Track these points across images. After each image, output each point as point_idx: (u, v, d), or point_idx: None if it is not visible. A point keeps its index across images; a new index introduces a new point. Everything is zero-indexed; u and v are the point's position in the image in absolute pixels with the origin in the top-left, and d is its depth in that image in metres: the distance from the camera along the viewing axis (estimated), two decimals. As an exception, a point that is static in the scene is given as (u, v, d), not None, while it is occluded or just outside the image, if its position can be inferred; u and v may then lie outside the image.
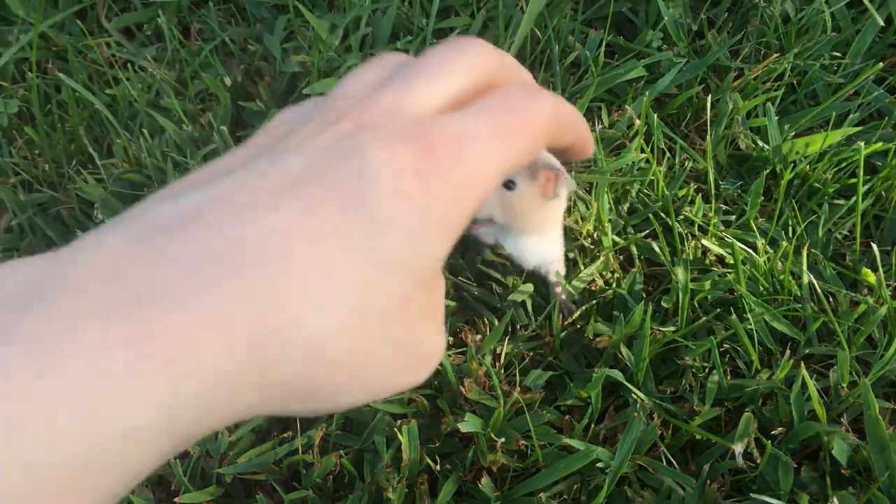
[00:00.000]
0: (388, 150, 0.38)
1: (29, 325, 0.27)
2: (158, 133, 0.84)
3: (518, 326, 0.76)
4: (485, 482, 0.65)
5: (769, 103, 0.87)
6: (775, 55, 0.91)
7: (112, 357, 0.27)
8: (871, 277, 0.76)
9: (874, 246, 0.76)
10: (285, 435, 0.71)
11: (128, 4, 0.96)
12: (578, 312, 0.75)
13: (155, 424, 0.29)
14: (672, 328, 0.74)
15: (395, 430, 0.67)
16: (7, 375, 0.26)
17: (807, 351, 0.73)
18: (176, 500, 0.67)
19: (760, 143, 0.86)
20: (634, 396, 0.69)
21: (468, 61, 0.49)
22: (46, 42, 0.91)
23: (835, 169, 0.84)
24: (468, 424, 0.65)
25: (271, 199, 0.34)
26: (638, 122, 0.83)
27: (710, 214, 0.81)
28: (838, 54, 0.94)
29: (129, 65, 0.88)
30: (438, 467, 0.66)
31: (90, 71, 0.89)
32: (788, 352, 0.72)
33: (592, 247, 0.79)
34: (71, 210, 0.80)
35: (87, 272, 0.30)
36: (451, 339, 0.75)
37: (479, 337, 0.75)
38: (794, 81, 0.92)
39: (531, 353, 0.74)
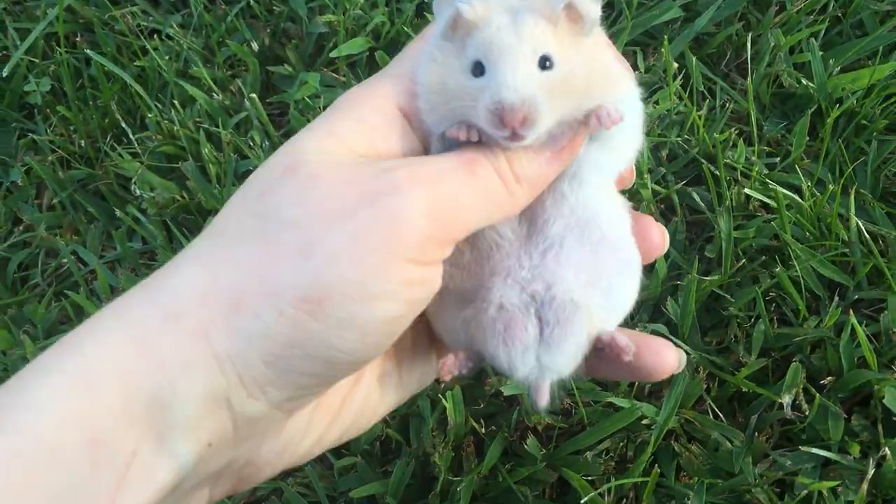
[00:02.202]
0: None
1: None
2: (189, 103, 0.83)
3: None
4: (530, 442, 0.65)
5: (813, 38, 0.84)
6: (819, -15, 0.87)
7: None
8: (924, 217, 0.74)
9: (926, 184, 0.73)
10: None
11: (151, -30, 0.95)
12: None
13: None
14: (716, 277, 0.72)
15: (440, 394, 0.67)
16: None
17: (856, 296, 0.71)
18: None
19: (805, 81, 0.82)
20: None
21: None
22: (73, 15, 0.91)
23: (884, 104, 0.81)
24: (511, 388, 0.65)
25: None
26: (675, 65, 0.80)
27: (754, 159, 0.78)
28: (886, -21, 0.89)
29: (155, 34, 0.88)
30: (484, 430, 0.67)
31: (118, 42, 0.88)
32: (837, 298, 0.70)
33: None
34: (109, 185, 0.80)
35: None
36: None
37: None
38: (839, 13, 0.88)
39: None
